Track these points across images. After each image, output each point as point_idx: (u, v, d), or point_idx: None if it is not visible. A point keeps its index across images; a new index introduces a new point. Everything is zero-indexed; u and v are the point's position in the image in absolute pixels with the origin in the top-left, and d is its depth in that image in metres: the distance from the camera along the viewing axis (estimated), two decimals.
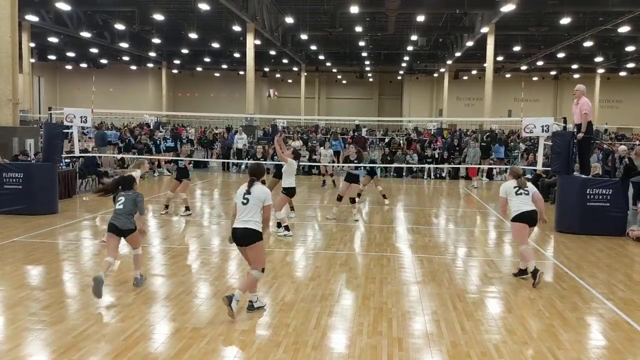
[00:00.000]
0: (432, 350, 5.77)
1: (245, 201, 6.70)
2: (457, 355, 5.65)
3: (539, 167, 14.51)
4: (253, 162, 11.62)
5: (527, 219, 8.32)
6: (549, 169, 14.20)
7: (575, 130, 12.48)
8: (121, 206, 7.58)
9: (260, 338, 5.97)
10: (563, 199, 12.45)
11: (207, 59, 52.06)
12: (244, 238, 6.68)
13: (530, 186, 8.57)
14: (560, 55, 45.40)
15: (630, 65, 49.54)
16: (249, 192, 6.74)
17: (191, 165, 14.38)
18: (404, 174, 23.68)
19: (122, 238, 7.61)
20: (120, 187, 7.87)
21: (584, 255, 10.17)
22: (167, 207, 13.73)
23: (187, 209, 13.60)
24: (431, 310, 6.97)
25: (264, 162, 13.50)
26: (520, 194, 8.41)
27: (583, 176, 12.56)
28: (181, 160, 14.02)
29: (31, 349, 5.61)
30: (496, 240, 12.05)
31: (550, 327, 6.47)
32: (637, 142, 34.23)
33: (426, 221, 13.64)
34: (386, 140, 33.82)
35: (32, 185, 12.94)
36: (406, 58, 51.27)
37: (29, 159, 14.82)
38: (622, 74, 54.13)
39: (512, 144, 28.68)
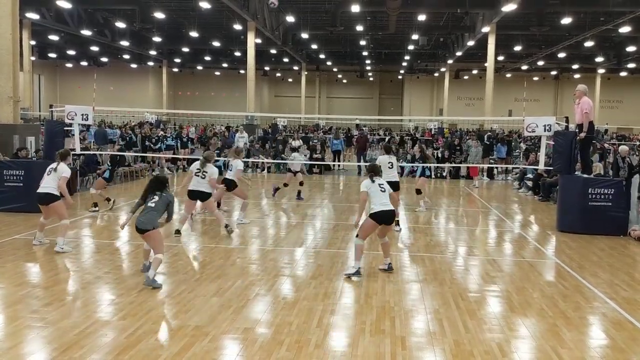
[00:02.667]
0: (435, 349, 5.75)
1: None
2: (460, 354, 5.63)
3: (541, 166, 14.48)
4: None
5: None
6: (551, 168, 14.18)
7: (577, 130, 12.45)
8: (153, 204, 7.66)
9: (262, 336, 5.95)
10: (565, 198, 12.42)
11: (207, 58, 52.01)
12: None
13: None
14: (561, 55, 45.36)
15: (631, 65, 49.52)
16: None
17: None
18: (403, 173, 23.63)
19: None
20: (153, 187, 7.85)
21: (586, 255, 10.15)
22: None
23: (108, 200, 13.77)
24: (433, 309, 6.95)
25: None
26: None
27: (585, 176, 12.54)
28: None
29: (32, 346, 5.60)
30: (497, 239, 12.03)
31: (553, 326, 6.45)
32: (638, 142, 34.20)
33: (427, 220, 13.62)
34: (386, 139, 33.75)
35: (33, 183, 12.78)
36: (407, 57, 51.21)
37: (29, 155, 14.79)
38: (623, 74, 54.10)
39: (513, 143, 28.62)
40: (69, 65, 58.30)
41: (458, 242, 11.33)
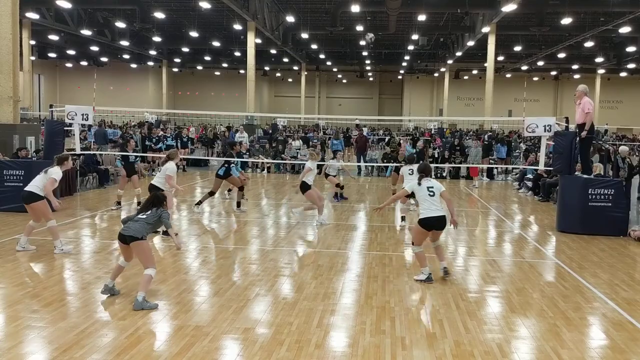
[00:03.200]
0: (436, 349, 5.75)
1: None
2: (461, 354, 5.63)
3: (541, 166, 14.48)
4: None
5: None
6: (551, 168, 14.18)
7: (577, 130, 12.45)
8: (144, 216, 7.16)
9: (262, 336, 5.95)
10: (565, 198, 12.42)
11: (207, 58, 52.05)
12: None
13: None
14: (561, 55, 45.42)
15: (631, 65, 49.58)
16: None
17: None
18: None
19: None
20: (150, 204, 7.31)
21: (585, 255, 10.15)
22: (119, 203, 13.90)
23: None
24: (434, 309, 6.95)
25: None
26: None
27: (585, 176, 12.54)
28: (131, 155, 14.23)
29: (33, 346, 5.59)
30: (497, 239, 12.03)
31: (553, 327, 6.45)
32: (638, 143, 34.23)
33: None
34: (386, 139, 33.80)
35: None
36: (407, 57, 51.27)
37: (28, 155, 14.79)
38: (623, 74, 54.17)
39: (513, 144, 28.65)
40: (69, 65, 58.36)
41: (458, 243, 11.33)
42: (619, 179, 12.84)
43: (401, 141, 25.52)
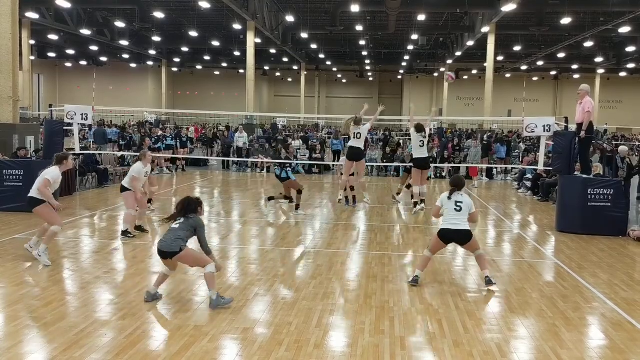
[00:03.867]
0: (435, 349, 5.75)
1: None
2: (460, 354, 5.64)
3: (540, 166, 14.49)
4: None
5: None
6: (550, 168, 14.18)
7: (577, 129, 12.46)
8: (177, 225, 6.81)
9: (262, 336, 5.95)
10: (564, 198, 12.43)
11: (207, 57, 52.04)
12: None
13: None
14: (561, 55, 45.43)
15: (631, 65, 49.59)
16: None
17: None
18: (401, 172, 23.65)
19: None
20: (182, 211, 6.90)
21: (585, 255, 10.15)
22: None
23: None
24: (433, 309, 6.95)
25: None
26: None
27: (584, 176, 12.55)
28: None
29: (32, 346, 5.59)
30: (496, 239, 12.03)
31: (552, 327, 6.46)
32: (637, 143, 34.25)
33: (427, 220, 13.60)
34: (382, 139, 33.72)
35: (33, 183, 12.83)
36: (406, 57, 51.29)
37: (28, 155, 14.79)
38: (622, 74, 54.18)
39: (512, 144, 28.66)
40: (69, 64, 58.36)
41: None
42: (618, 179, 12.84)
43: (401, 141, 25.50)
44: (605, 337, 6.28)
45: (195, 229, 6.82)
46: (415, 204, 13.53)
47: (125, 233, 10.54)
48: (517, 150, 27.53)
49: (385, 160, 23.62)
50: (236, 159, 24.61)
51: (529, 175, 19.26)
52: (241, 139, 25.69)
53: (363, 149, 13.20)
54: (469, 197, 8.10)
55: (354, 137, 12.93)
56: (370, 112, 13.93)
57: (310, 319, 6.47)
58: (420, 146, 13.04)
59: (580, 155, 12.77)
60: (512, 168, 23.27)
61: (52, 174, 8.90)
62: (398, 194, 15.94)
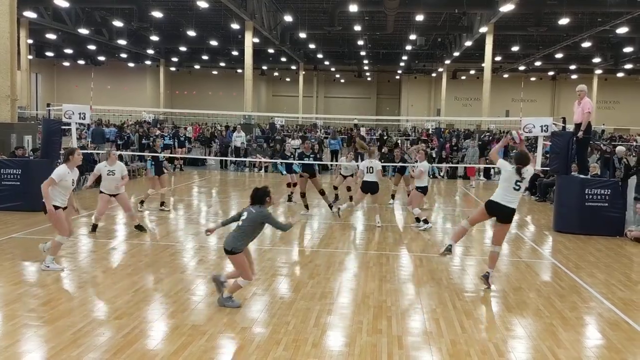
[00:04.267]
0: (432, 349, 5.76)
1: None
2: (457, 354, 5.65)
3: (538, 166, 14.50)
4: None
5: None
6: (548, 168, 14.21)
7: (576, 129, 12.47)
8: (241, 222, 6.70)
9: (259, 335, 5.96)
10: (561, 199, 12.46)
11: (205, 57, 52.00)
12: None
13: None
14: (559, 55, 45.47)
15: (628, 66, 49.60)
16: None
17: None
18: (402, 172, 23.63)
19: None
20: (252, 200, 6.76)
21: (582, 255, 10.17)
22: (162, 203, 13.81)
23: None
24: (430, 309, 6.96)
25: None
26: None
27: (582, 176, 12.57)
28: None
29: (30, 345, 5.59)
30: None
31: (549, 326, 6.47)
32: (634, 143, 34.31)
33: (424, 220, 13.60)
34: (378, 138, 33.64)
35: (30, 182, 12.88)
36: (404, 57, 51.30)
37: (26, 154, 14.78)
38: (620, 75, 54.20)
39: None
40: (66, 64, 58.24)
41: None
42: (615, 179, 12.87)
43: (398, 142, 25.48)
44: (602, 337, 6.30)
45: (262, 223, 6.71)
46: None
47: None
48: (514, 151, 27.54)
49: (383, 160, 23.58)
50: (234, 159, 24.61)
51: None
52: (239, 139, 25.68)
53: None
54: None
55: (368, 172, 12.75)
56: (366, 112, 13.96)
57: (308, 318, 6.48)
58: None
59: (577, 156, 12.80)
60: None
61: (57, 172, 8.25)
62: (393, 195, 15.96)
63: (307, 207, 13.98)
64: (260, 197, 6.70)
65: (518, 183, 7.57)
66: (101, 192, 11.02)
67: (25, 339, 5.72)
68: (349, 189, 15.15)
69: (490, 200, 7.70)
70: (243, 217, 6.66)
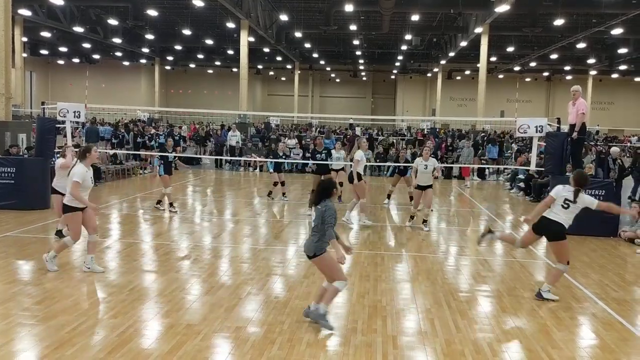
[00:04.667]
0: (427, 348, 5.77)
1: None
2: (451, 354, 5.66)
3: (532, 167, 14.55)
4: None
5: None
6: (542, 169, 14.24)
7: (570, 130, 12.51)
8: (313, 223, 6.30)
9: (254, 335, 5.96)
10: None
11: (200, 56, 51.90)
12: None
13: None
14: (553, 56, 45.57)
15: (622, 67, 49.77)
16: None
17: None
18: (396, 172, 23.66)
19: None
20: (318, 197, 6.30)
21: (576, 256, 10.19)
22: (171, 204, 13.77)
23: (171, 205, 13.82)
24: (425, 308, 6.98)
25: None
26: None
27: None
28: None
29: (24, 344, 5.57)
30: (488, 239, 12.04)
31: (543, 326, 6.49)
32: (628, 144, 34.45)
33: (419, 220, 13.62)
34: (379, 139, 33.67)
35: (24, 180, 12.87)
36: (400, 57, 51.31)
37: (20, 152, 14.72)
38: (614, 76, 54.37)
39: (505, 144, 28.77)
40: (61, 62, 58.01)
41: (449, 242, 11.38)
42: (610, 179, 12.91)
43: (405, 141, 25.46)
44: (596, 337, 6.32)
45: (323, 219, 6.13)
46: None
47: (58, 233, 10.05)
48: (509, 151, 27.63)
49: (378, 160, 23.63)
50: (229, 158, 24.58)
51: (521, 176, 19.32)
52: (234, 138, 25.65)
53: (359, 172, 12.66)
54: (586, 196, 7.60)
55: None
56: (361, 112, 14.02)
57: (302, 318, 6.47)
58: (424, 169, 12.61)
59: (572, 156, 12.83)
60: (505, 168, 23.34)
61: (78, 174, 7.91)
62: (389, 195, 15.95)
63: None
64: (327, 189, 6.28)
65: (567, 202, 7.45)
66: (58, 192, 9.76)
67: (19, 338, 5.70)
68: (341, 184, 15.11)
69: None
70: (313, 218, 6.27)
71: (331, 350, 5.65)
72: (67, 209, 8.01)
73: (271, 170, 15.84)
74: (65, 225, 9.33)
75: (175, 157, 14.36)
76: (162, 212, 13.40)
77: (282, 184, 15.73)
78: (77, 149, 9.89)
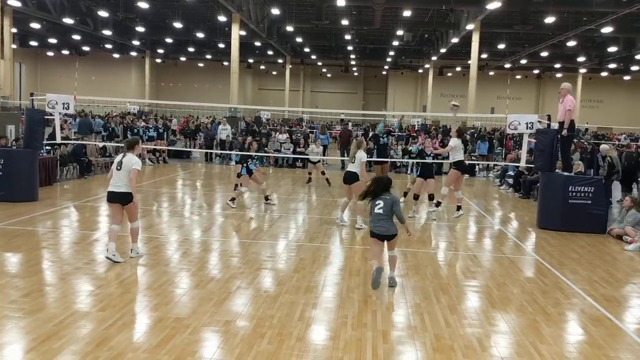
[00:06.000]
0: (416, 343, 5.77)
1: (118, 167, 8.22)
2: (441, 348, 5.66)
3: (522, 164, 14.60)
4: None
5: None
6: (532, 166, 14.29)
7: (559, 127, 12.56)
8: (380, 210, 7.45)
9: (244, 329, 5.93)
10: (545, 196, 12.54)
11: (191, 49, 51.68)
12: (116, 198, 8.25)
13: None
14: (544, 54, 45.79)
15: (612, 65, 50.06)
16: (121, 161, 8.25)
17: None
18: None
19: (385, 242, 7.61)
20: (373, 189, 7.56)
21: (565, 252, 10.25)
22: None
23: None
24: (415, 303, 6.98)
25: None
26: None
27: (565, 174, 12.66)
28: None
29: (10, 337, 5.52)
30: (478, 235, 12.10)
31: (533, 322, 6.51)
32: (616, 142, 34.63)
33: (409, 215, 13.64)
34: (370, 134, 33.57)
35: (12, 172, 12.74)
36: (391, 53, 51.33)
37: (8, 143, 14.59)
38: (604, 74, 54.70)
39: (495, 141, 28.82)
40: (50, 53, 57.56)
41: (439, 238, 11.40)
42: (599, 176, 12.98)
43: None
44: (585, 333, 6.35)
45: (392, 204, 7.44)
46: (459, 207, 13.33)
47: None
48: (499, 148, 27.70)
49: (369, 155, 23.56)
50: (219, 152, 24.48)
51: (510, 172, 19.39)
52: (224, 132, 25.55)
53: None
54: None
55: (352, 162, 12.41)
56: (352, 107, 14.01)
57: (292, 312, 6.46)
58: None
59: (561, 153, 12.88)
60: (494, 165, 23.40)
61: (138, 162, 8.34)
62: (406, 193, 15.43)
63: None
64: (387, 185, 7.55)
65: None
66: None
67: (5, 331, 5.64)
68: (323, 172, 16.72)
69: None
70: (380, 206, 7.42)
71: (321, 345, 5.64)
72: (131, 196, 8.30)
73: (234, 162, 14.87)
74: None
75: (255, 158, 14.28)
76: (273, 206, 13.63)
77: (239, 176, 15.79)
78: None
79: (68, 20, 35.86)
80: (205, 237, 10.38)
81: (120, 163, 8.28)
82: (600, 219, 12.01)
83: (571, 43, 39.38)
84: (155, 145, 23.07)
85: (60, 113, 14.26)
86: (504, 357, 5.56)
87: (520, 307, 7.03)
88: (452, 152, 13.13)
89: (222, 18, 35.25)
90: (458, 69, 56.61)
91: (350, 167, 11.78)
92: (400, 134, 32.37)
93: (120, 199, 8.27)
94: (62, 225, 10.95)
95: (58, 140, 14.85)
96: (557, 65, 52.66)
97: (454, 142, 13.08)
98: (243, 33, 36.75)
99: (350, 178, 11.70)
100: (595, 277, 8.61)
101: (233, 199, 13.45)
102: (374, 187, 7.54)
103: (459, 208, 13.10)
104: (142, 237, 9.97)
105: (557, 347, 5.84)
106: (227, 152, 23.97)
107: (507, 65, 53.91)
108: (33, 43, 51.83)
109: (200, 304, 6.62)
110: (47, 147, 15.74)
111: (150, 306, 6.51)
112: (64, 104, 13.94)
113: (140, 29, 42.02)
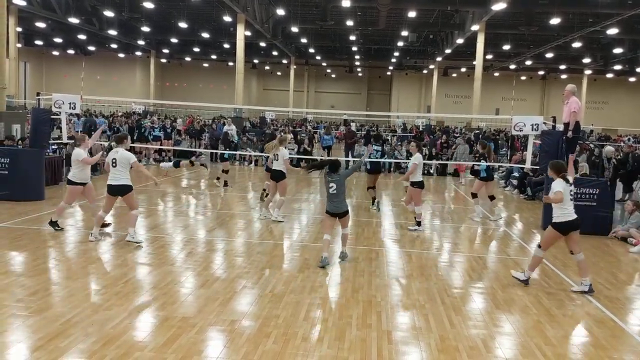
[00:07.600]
0: (421, 344, 5.79)
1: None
2: (446, 349, 5.68)
3: (528, 165, 14.59)
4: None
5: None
6: (537, 167, 14.28)
7: (564, 128, 12.54)
8: (334, 191, 8.59)
9: (249, 328, 5.96)
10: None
11: (196, 49, 51.76)
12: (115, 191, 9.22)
13: None
14: (549, 55, 45.73)
15: (617, 67, 49.94)
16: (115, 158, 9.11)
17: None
18: (392, 169, 23.72)
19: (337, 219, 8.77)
20: (327, 170, 8.73)
21: (569, 254, 10.22)
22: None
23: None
24: (419, 304, 7.00)
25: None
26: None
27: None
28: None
29: (18, 335, 5.56)
30: (482, 236, 12.10)
31: (537, 323, 6.53)
32: (622, 143, 34.56)
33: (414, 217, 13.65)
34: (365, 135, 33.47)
35: (19, 171, 12.81)
36: (396, 54, 51.33)
37: (14, 144, 14.65)
38: (609, 75, 54.56)
39: (500, 142, 28.81)
40: (56, 53, 57.70)
41: (444, 239, 11.40)
42: (604, 178, 12.96)
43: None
44: (589, 334, 6.36)
45: (343, 183, 8.67)
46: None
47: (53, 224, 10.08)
48: (504, 149, 27.68)
49: (371, 156, 23.57)
50: (224, 152, 24.46)
51: (515, 174, 19.37)
52: (229, 132, 25.52)
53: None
54: None
55: (274, 159, 12.15)
56: (356, 107, 13.97)
57: (297, 312, 6.49)
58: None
59: (566, 155, 12.85)
60: (499, 166, 23.39)
61: (132, 155, 9.40)
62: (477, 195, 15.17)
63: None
64: (336, 165, 8.74)
65: (571, 192, 8.02)
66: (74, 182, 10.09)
67: (13, 329, 5.69)
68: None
69: (558, 222, 8.01)
70: (334, 187, 8.58)
71: (326, 345, 5.66)
72: (130, 188, 9.31)
73: (226, 156, 17.79)
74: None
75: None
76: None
77: (226, 172, 17.06)
78: (71, 141, 10.65)
79: (73, 20, 35.96)
80: (210, 237, 10.42)
81: (114, 160, 9.21)
82: (605, 220, 11.99)
83: (576, 44, 39.32)
84: (160, 145, 23.12)
85: (66, 113, 14.32)
86: (508, 358, 5.58)
87: (524, 309, 7.04)
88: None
89: (227, 18, 35.28)
90: (463, 69, 56.56)
91: (276, 165, 12.04)
92: (403, 134, 32.38)
93: (118, 192, 9.28)
94: (68, 224, 10.99)
95: (64, 139, 14.90)
96: (562, 67, 52.56)
97: (417, 158, 11.83)
98: (248, 33, 36.78)
99: (278, 175, 11.99)
100: (600, 279, 8.61)
101: (218, 178, 14.67)
102: (325, 163, 8.94)
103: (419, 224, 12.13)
104: (148, 237, 10.03)
105: (561, 349, 5.86)
106: (233, 152, 24.03)
107: (512, 67, 53.84)
108: (38, 42, 51.97)
109: (206, 303, 6.65)
110: (53, 147, 15.79)
111: (156, 305, 6.55)
112: (70, 103, 13.99)
113: (145, 28, 42.12)
